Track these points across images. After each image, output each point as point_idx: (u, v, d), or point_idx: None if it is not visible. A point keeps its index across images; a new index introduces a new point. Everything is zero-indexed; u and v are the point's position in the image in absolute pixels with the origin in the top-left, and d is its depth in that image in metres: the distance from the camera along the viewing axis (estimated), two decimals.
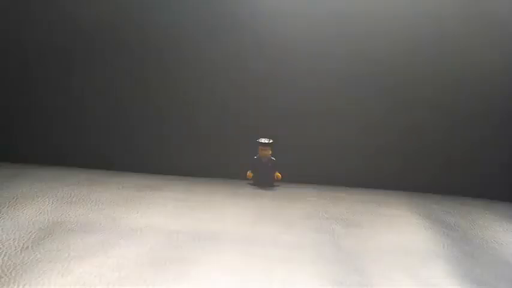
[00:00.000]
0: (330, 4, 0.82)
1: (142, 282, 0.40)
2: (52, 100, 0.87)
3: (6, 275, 0.41)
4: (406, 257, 0.50)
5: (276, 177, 0.77)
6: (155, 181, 0.75)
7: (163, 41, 0.85)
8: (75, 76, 0.87)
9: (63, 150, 0.87)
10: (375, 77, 0.82)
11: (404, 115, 0.81)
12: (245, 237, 0.52)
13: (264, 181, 0.77)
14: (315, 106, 0.83)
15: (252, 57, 0.84)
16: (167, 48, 0.85)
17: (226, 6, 0.84)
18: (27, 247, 0.47)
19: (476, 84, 0.80)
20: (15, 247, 0.47)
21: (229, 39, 0.84)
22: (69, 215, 0.57)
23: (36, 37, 0.86)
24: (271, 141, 0.76)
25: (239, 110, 0.84)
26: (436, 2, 0.81)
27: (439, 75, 0.81)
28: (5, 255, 0.44)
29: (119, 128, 0.86)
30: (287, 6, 0.83)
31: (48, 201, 0.61)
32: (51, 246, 0.47)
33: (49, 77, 0.87)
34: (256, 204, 0.65)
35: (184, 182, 0.77)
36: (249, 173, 0.78)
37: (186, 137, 0.85)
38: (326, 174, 0.83)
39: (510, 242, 0.57)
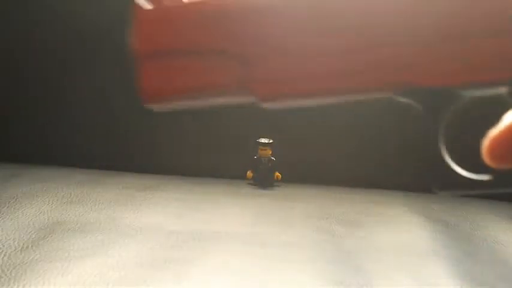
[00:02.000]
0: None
1: (142, 282, 0.40)
2: (52, 100, 0.87)
3: (6, 275, 0.41)
4: (406, 257, 0.50)
5: (276, 177, 0.77)
6: (155, 181, 0.75)
7: None
8: (75, 76, 0.86)
9: (63, 150, 0.87)
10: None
11: (405, 114, 0.81)
12: (245, 237, 0.52)
13: (264, 181, 0.77)
14: (314, 106, 0.83)
15: None
16: None
17: None
18: (27, 247, 0.47)
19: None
20: (15, 247, 0.47)
21: None
22: (69, 215, 0.57)
23: (35, 37, 0.86)
24: (271, 141, 0.76)
25: (239, 110, 0.84)
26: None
27: None
28: (5, 255, 0.44)
29: (119, 128, 0.86)
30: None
31: (48, 201, 0.61)
32: (51, 246, 0.47)
33: (49, 77, 0.87)
34: (256, 204, 0.65)
35: (184, 182, 0.77)
36: (249, 173, 0.78)
37: (185, 137, 0.85)
38: (326, 174, 0.83)
39: (510, 242, 0.57)
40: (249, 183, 0.78)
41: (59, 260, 0.44)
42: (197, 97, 0.26)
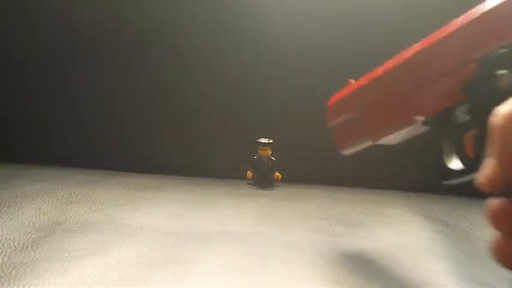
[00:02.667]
0: (331, 4, 0.82)
1: (142, 282, 0.40)
2: (52, 101, 0.87)
3: (6, 275, 0.41)
4: (406, 257, 0.50)
5: (276, 177, 0.77)
6: (155, 181, 0.75)
7: (162, 42, 0.85)
8: (75, 77, 0.87)
9: (63, 150, 0.87)
10: None
11: None
12: (245, 237, 0.52)
13: (264, 181, 0.77)
14: (314, 106, 0.83)
15: (252, 57, 0.84)
16: (166, 50, 0.85)
17: (225, 6, 0.84)
18: (27, 247, 0.47)
19: None
20: (15, 247, 0.47)
21: (228, 40, 0.84)
22: (69, 215, 0.57)
23: (36, 38, 0.86)
24: (271, 141, 0.76)
25: (239, 110, 0.84)
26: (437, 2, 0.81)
27: None
28: (5, 255, 0.44)
29: (119, 128, 0.86)
30: (288, 7, 0.83)
31: (48, 201, 0.61)
32: (51, 246, 0.47)
33: (49, 78, 0.87)
34: (256, 204, 0.65)
35: (184, 182, 0.77)
36: (249, 173, 0.78)
37: (186, 137, 0.85)
38: (326, 174, 0.83)
39: None
40: (249, 183, 0.78)
41: (59, 260, 0.44)
42: (357, 146, 0.49)
